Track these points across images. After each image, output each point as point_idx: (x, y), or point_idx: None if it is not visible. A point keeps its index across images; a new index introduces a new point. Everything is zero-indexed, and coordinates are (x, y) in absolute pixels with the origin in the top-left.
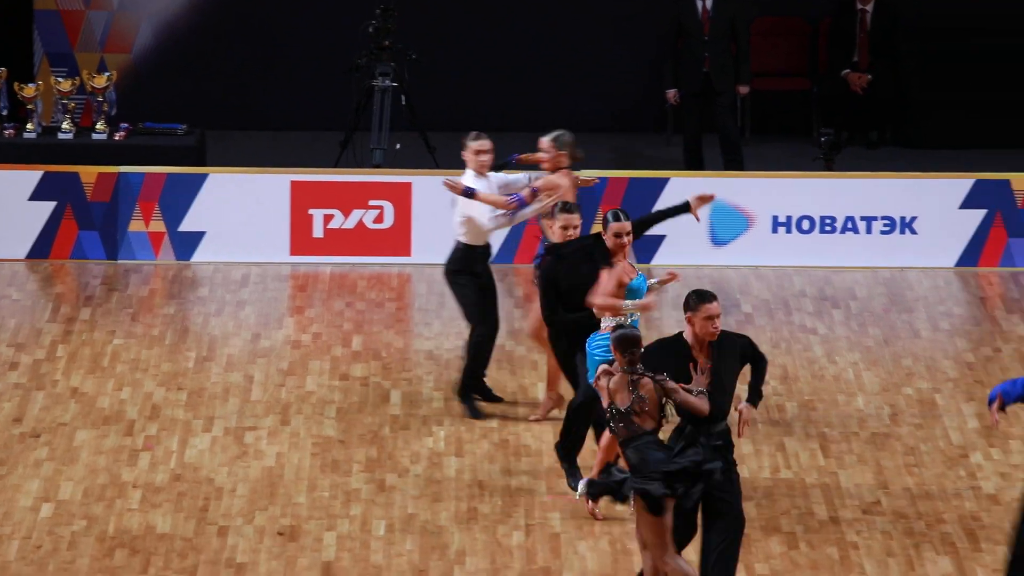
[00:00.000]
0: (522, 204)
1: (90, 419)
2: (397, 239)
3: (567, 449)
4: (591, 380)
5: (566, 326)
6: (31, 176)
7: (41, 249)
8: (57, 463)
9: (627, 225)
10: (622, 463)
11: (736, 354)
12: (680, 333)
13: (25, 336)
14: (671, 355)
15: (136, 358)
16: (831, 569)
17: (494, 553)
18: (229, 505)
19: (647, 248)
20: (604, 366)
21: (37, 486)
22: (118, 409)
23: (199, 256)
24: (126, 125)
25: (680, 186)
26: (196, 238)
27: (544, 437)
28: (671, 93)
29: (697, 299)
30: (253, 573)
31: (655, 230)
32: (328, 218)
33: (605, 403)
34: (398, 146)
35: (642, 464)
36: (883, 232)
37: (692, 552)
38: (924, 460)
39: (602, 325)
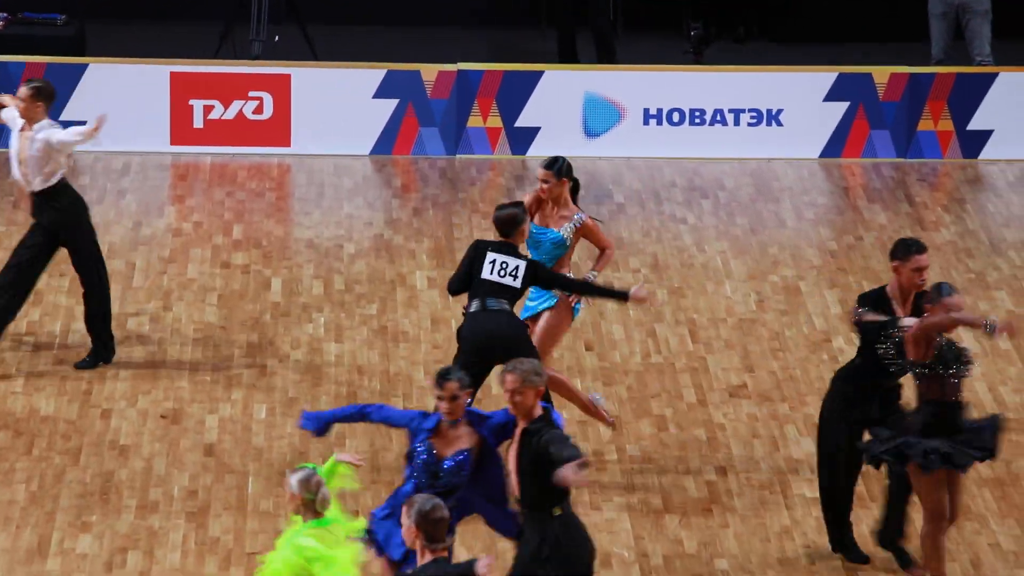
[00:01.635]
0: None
1: None
2: (277, 130)
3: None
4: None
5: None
6: None
7: None
8: None
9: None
10: None
11: None
12: (883, 287)
13: None
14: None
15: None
16: (699, 450)
17: (373, 435)
18: (112, 389)
19: (523, 140)
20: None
21: None
22: None
23: (80, 145)
24: (5, 15)
25: (554, 79)
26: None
27: (423, 324)
28: None
29: (905, 249)
30: (137, 455)
31: (531, 122)
32: (208, 108)
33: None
34: (276, 38)
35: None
36: (750, 124)
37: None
38: (788, 345)
39: None
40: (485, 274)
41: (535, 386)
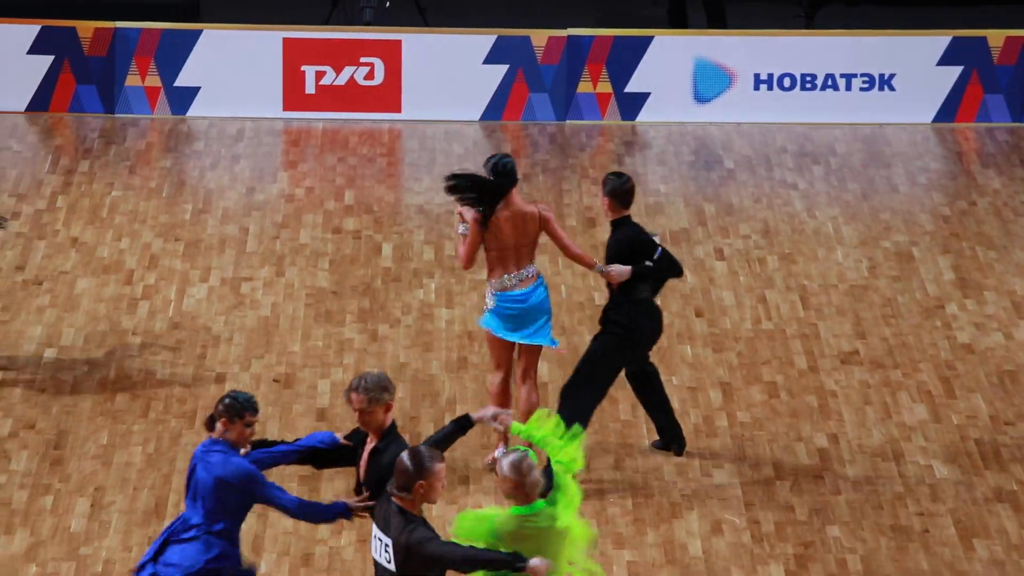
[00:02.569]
0: None
1: (90, 268)
2: (387, 96)
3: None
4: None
5: None
6: (29, 30)
7: (40, 102)
8: (59, 310)
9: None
10: None
11: None
12: None
13: (26, 187)
14: None
15: (134, 210)
16: (810, 417)
17: (484, 400)
18: (226, 353)
19: (633, 106)
20: None
21: (40, 332)
22: (117, 259)
23: (194, 111)
24: None
25: (664, 44)
26: (191, 93)
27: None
28: None
29: None
30: None
31: (641, 87)
32: (320, 74)
33: None
34: (387, 4)
35: None
36: (862, 89)
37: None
38: (901, 311)
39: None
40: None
41: (383, 403)
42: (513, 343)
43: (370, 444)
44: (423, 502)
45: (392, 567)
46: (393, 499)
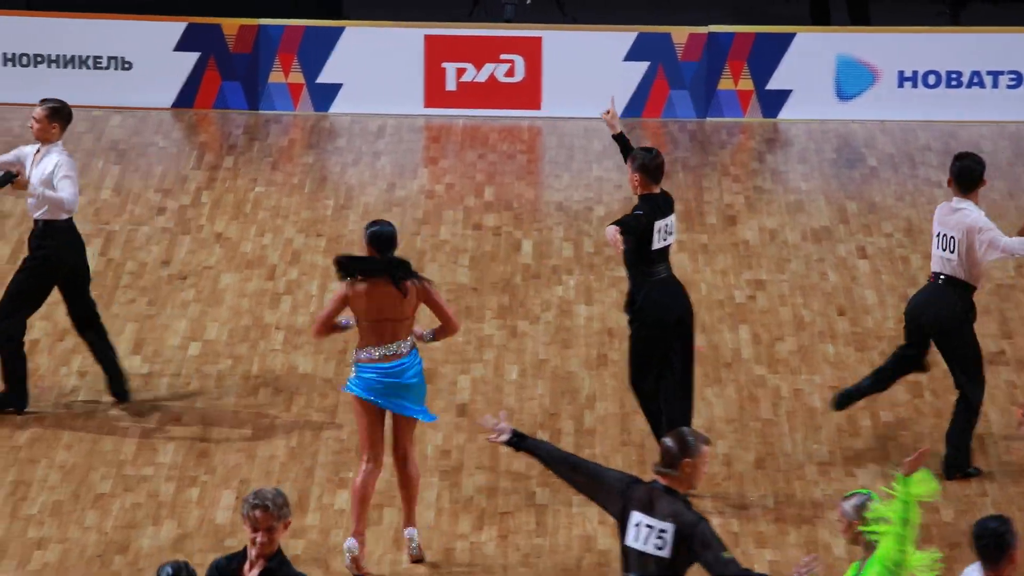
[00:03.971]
0: None
1: (234, 263)
2: (527, 92)
3: None
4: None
5: None
6: (175, 27)
7: (186, 98)
8: (203, 304)
9: None
10: None
11: None
12: None
13: (171, 182)
14: None
15: (277, 205)
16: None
17: (623, 397)
18: None
19: (774, 103)
20: None
21: (185, 326)
22: (260, 254)
23: (336, 107)
24: None
25: (806, 41)
26: (334, 89)
27: None
28: None
29: None
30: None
31: (783, 84)
32: (460, 71)
33: None
34: (528, 1)
35: None
36: (1009, 87)
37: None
38: None
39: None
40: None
41: (285, 519)
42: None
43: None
44: (689, 486)
45: (664, 553)
46: (658, 479)
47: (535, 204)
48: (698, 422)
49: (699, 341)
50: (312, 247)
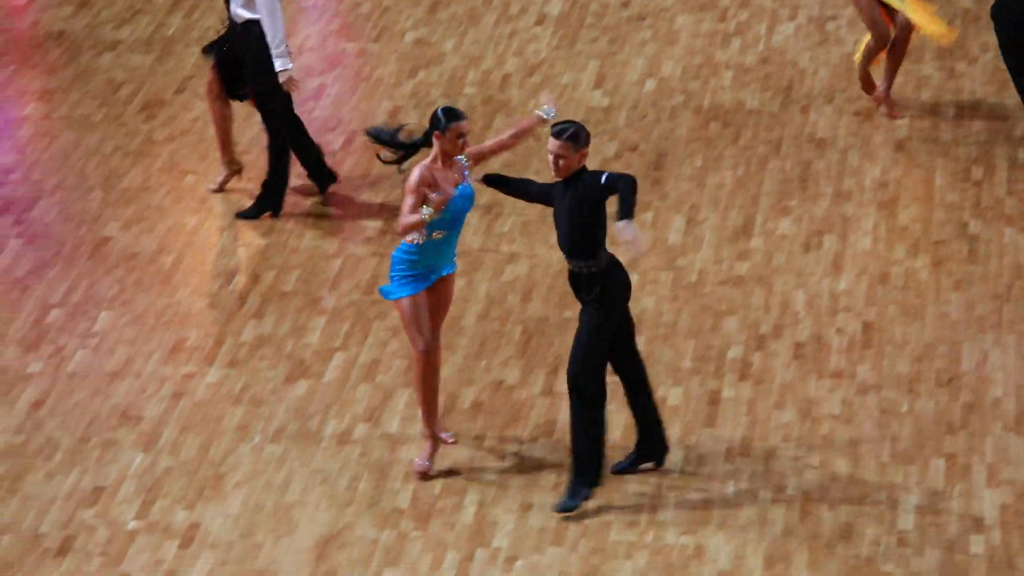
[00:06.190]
0: None
1: (688, 5)
2: None
3: None
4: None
5: None
6: None
7: None
8: (659, 43)
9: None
10: None
11: None
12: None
13: None
14: None
15: None
16: None
17: None
18: (811, 86)
19: None
20: None
21: (642, 63)
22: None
23: None
24: None
25: None
26: None
27: None
28: None
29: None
30: (832, 147)
31: None
32: None
33: None
34: None
35: None
36: None
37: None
38: None
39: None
40: None
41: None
42: None
43: None
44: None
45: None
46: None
47: None
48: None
49: None
50: None
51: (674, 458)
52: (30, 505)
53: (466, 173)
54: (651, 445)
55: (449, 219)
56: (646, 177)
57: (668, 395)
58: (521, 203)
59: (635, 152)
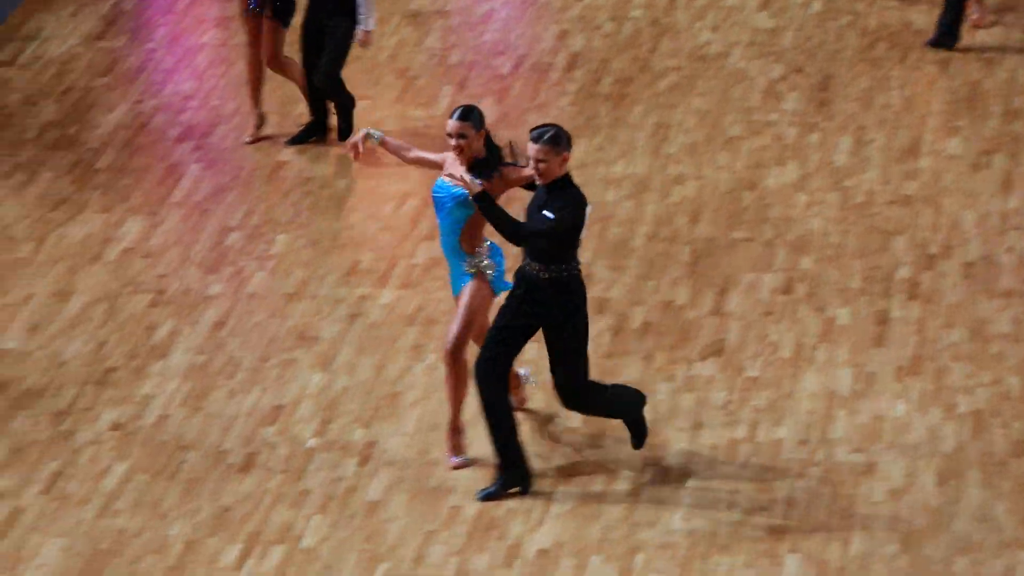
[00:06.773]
0: None
1: None
2: None
3: None
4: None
5: None
6: None
7: None
8: None
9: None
10: None
11: None
12: None
13: None
14: None
15: None
16: None
17: None
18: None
19: None
20: None
21: None
22: None
23: None
24: None
25: None
26: None
27: None
28: None
29: None
30: (1000, 66)
31: None
32: None
33: None
34: None
35: None
36: None
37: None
38: None
39: None
40: None
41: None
42: None
43: None
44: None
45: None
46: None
47: None
48: None
49: None
50: None
51: (843, 378)
52: (214, 423)
53: (463, 177)
54: None
55: (436, 204)
56: (811, 99)
57: (836, 316)
58: (689, 123)
59: (800, 74)
